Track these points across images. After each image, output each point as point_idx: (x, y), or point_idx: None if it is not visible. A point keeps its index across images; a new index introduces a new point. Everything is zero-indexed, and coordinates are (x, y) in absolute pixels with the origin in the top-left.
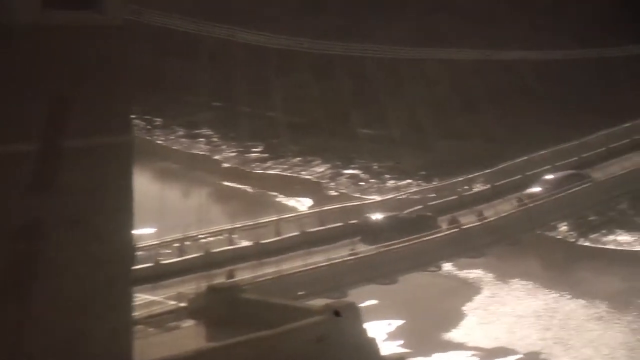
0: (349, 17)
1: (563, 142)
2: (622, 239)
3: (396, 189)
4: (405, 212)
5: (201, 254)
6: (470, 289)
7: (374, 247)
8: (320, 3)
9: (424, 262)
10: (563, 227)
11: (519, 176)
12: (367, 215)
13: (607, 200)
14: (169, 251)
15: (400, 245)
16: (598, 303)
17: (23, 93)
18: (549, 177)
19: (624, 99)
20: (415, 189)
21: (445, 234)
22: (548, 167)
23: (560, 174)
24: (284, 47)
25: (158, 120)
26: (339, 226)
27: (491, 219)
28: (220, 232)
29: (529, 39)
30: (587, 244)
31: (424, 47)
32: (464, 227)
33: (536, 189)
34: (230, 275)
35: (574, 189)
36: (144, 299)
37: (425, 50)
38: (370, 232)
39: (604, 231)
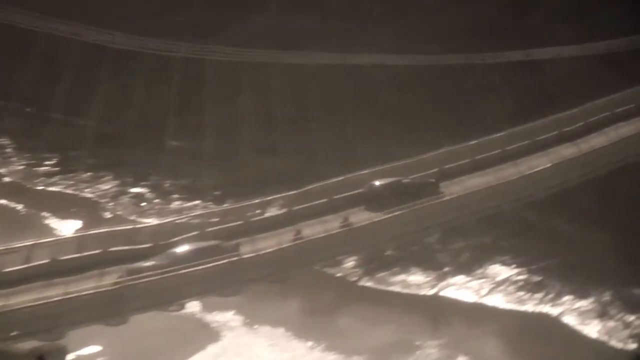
0: (209, 15)
1: (394, 160)
2: (412, 280)
3: (179, 211)
4: (409, 178)
5: None
6: (209, 335)
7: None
8: (186, 1)
9: (164, 301)
10: (350, 263)
11: (324, 200)
12: (371, 182)
13: (414, 232)
14: None
15: (142, 279)
16: (355, 358)
17: None
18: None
19: (479, 112)
20: (199, 212)
21: (196, 269)
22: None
23: (199, 244)
24: (128, 47)
25: None
26: (97, 254)
27: (265, 251)
28: None
29: (398, 43)
30: (369, 284)
31: (277, 49)
32: (225, 260)
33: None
34: None
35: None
36: None
37: (272, 53)
38: (373, 199)
39: (396, 269)
